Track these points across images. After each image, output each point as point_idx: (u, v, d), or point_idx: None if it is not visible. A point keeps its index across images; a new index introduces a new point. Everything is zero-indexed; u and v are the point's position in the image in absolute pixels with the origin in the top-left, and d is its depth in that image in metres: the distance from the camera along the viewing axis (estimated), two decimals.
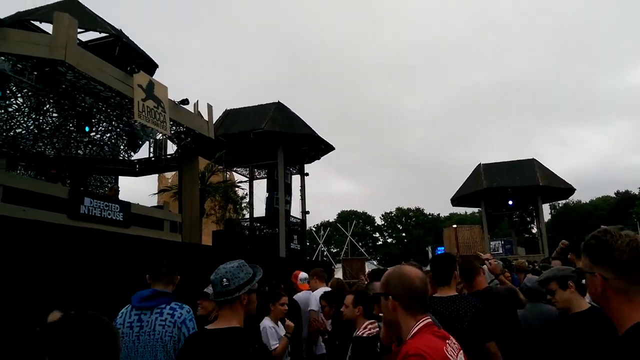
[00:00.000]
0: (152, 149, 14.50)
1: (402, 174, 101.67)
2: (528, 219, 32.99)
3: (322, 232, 47.89)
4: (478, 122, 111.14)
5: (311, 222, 60.88)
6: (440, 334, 1.68)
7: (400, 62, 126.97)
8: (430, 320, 1.71)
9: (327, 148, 19.11)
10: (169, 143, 14.14)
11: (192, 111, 12.12)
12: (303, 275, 5.68)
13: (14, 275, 5.67)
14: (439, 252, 29.76)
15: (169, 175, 20.85)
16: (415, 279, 1.73)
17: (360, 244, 52.55)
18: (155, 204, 15.28)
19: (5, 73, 9.01)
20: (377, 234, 65.32)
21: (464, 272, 3.48)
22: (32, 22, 10.65)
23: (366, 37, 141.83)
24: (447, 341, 1.66)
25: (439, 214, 63.56)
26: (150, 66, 12.21)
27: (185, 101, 11.48)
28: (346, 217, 60.30)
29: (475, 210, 52.22)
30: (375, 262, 46.57)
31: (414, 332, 1.64)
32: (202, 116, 12.55)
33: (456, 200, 29.33)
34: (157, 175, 19.67)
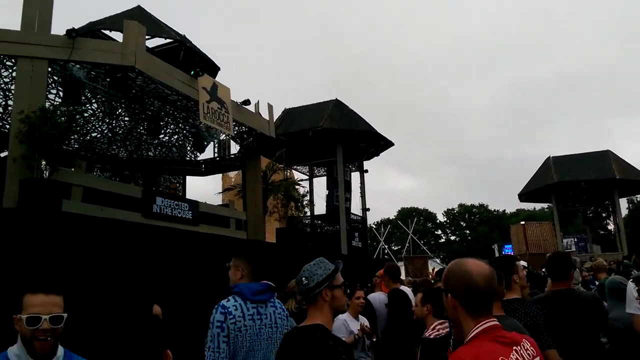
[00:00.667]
0: (216, 149, 15.00)
1: (464, 169, 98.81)
2: (603, 214, 31.02)
3: (382, 229, 47.40)
4: (545, 115, 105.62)
5: (371, 219, 60.50)
6: (506, 339, 1.50)
7: (460, 55, 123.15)
8: (494, 323, 1.53)
9: (386, 144, 18.88)
10: (232, 143, 14.57)
11: (254, 111, 12.36)
12: None
13: (95, 269, 6.04)
14: (507, 251, 28.69)
15: (233, 174, 21.43)
16: (478, 275, 1.55)
17: (422, 242, 51.59)
18: (220, 203, 15.75)
19: (81, 80, 9.61)
20: (440, 231, 63.83)
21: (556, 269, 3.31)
22: (103, 31, 11.29)
23: (425, 30, 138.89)
24: (515, 347, 1.48)
25: (504, 210, 61.16)
26: (212, 69, 12.59)
27: (247, 102, 11.73)
28: (407, 214, 59.45)
29: (545, 205, 49.84)
30: (437, 260, 45.60)
31: (471, 336, 1.49)
32: (262, 116, 12.78)
33: (524, 196, 28.06)
34: (221, 174, 20.28)
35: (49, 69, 8.23)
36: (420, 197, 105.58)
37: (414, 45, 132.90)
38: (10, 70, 9.29)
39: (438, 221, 63.40)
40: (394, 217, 61.07)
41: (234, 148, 14.53)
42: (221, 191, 17.32)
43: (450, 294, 1.58)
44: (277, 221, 13.56)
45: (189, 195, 15.47)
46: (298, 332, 2.11)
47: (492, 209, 61.88)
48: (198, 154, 15.02)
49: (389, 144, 18.85)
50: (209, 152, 15.73)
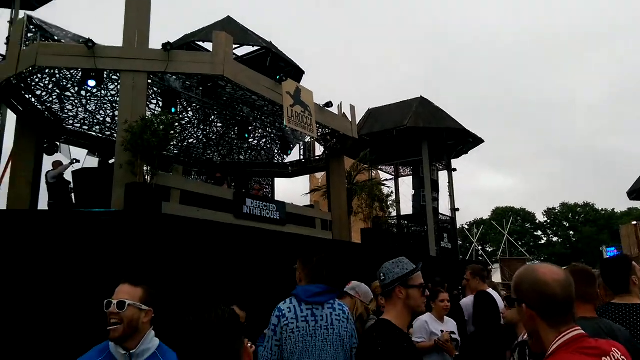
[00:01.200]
0: (302, 151, 15.36)
1: (566, 165, 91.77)
2: None
3: (475, 230, 45.52)
4: None
5: (461, 219, 58.37)
6: (593, 350, 1.37)
7: (559, 44, 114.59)
8: (578, 332, 1.40)
9: (476, 141, 18.08)
10: (317, 145, 14.83)
11: (336, 113, 12.48)
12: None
13: (190, 267, 6.46)
14: (610, 254, 26.18)
15: (319, 175, 21.78)
16: (553, 283, 1.42)
17: (519, 243, 48.81)
18: (308, 203, 16.09)
19: (177, 91, 10.32)
20: (539, 232, 59.79)
21: None
22: (195, 42, 12.05)
23: (518, 21, 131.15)
24: (604, 358, 1.36)
25: (613, 209, 55.86)
26: (297, 73, 12.92)
27: (329, 104, 11.88)
28: (502, 213, 56.50)
29: None
30: (537, 263, 42.80)
31: (552, 349, 1.38)
32: (346, 117, 12.85)
33: (635, 193, 25.39)
34: (308, 175, 20.70)
35: (149, 81, 8.92)
36: (516, 195, 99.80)
37: (508, 37, 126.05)
38: (115, 84, 10.24)
39: (537, 221, 59.44)
40: (487, 217, 58.37)
41: (319, 150, 14.79)
42: (308, 192, 17.67)
43: (525, 304, 1.47)
44: (362, 221, 13.55)
45: (278, 196, 16.02)
46: (367, 329, 2.20)
47: (600, 208, 56.86)
48: (285, 156, 15.49)
49: (479, 140, 18.04)
50: (295, 155, 16.16)
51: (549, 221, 59.08)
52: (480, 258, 40.93)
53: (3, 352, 5.12)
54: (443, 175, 18.74)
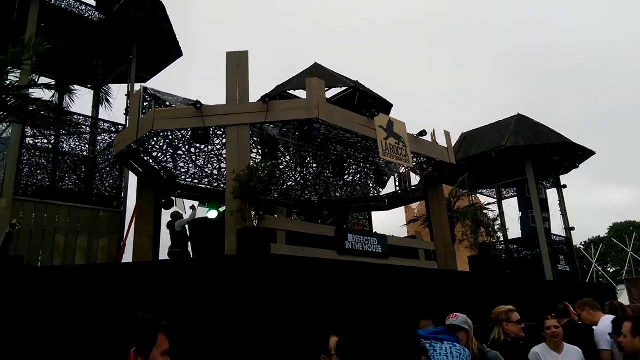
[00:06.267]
0: (397, 183, 15.33)
1: None
2: None
3: (592, 249, 41.52)
4: None
5: (577, 239, 53.61)
6: None
7: None
8: None
9: (586, 154, 16.82)
10: (412, 175, 14.72)
11: (430, 140, 12.37)
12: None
13: (297, 303, 6.67)
14: None
15: (415, 205, 21.49)
16: None
17: None
18: (406, 235, 15.88)
19: (275, 138, 10.94)
20: None
21: None
22: (287, 91, 12.76)
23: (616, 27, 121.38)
24: None
25: None
26: (386, 107, 13.10)
27: (423, 132, 11.82)
28: (621, 229, 51.02)
29: None
30: None
31: None
32: (439, 144, 12.68)
33: None
34: (403, 207, 20.50)
35: (250, 132, 9.58)
36: (637, 209, 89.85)
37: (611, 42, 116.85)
38: (220, 138, 11.12)
39: None
40: (605, 235, 53.04)
41: (415, 180, 14.66)
42: (406, 223, 17.47)
43: None
44: (468, 249, 13.06)
45: (376, 229, 16.01)
46: None
47: None
48: (380, 189, 15.54)
49: (589, 153, 16.77)
50: (390, 187, 16.17)
51: None
52: (601, 279, 37.09)
53: None
54: (552, 194, 17.60)
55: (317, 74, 11.42)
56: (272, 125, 10.59)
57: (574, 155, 16.68)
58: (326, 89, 11.63)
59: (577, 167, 17.61)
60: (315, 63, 13.06)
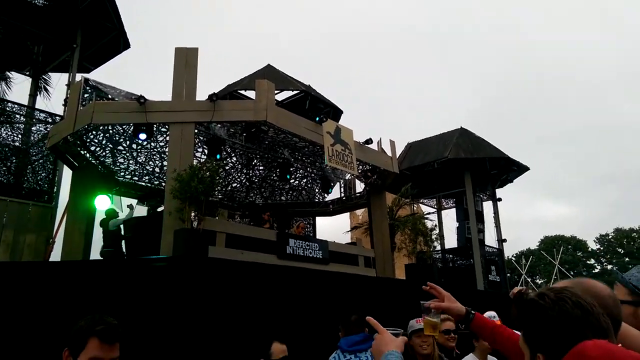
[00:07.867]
0: (342, 189, 15.50)
1: (625, 190, 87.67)
2: None
3: (523, 261, 43.77)
4: None
5: (509, 251, 56.38)
6: None
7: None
8: None
9: (521, 169, 17.73)
10: (357, 182, 14.93)
11: (376, 149, 12.60)
12: (490, 313, 4.86)
13: (235, 307, 6.59)
14: None
15: (360, 212, 21.78)
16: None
17: (571, 273, 46.47)
18: (349, 241, 16.08)
19: (222, 138, 10.76)
20: (592, 260, 56.84)
21: None
22: (238, 91, 12.61)
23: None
24: None
25: None
26: (336, 113, 13.23)
27: (369, 141, 12.02)
28: (551, 243, 54.26)
29: None
30: None
31: None
32: (385, 152, 12.94)
33: None
34: (349, 213, 20.74)
35: (195, 131, 9.37)
36: (567, 224, 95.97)
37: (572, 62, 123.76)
38: (164, 136, 10.80)
39: (590, 249, 56.66)
40: (536, 247, 56.11)
41: (359, 186, 14.88)
42: (349, 230, 17.68)
43: None
44: (406, 257, 13.40)
45: (319, 235, 16.09)
46: None
47: None
48: (326, 195, 15.65)
49: (524, 168, 17.69)
50: (335, 193, 16.34)
51: (602, 248, 56.20)
52: (530, 291, 39.13)
53: None
54: (488, 206, 18.39)
55: (269, 76, 11.36)
56: (219, 125, 10.42)
57: (510, 169, 17.55)
58: (277, 92, 11.60)
59: (511, 181, 18.54)
60: (269, 64, 13.00)
